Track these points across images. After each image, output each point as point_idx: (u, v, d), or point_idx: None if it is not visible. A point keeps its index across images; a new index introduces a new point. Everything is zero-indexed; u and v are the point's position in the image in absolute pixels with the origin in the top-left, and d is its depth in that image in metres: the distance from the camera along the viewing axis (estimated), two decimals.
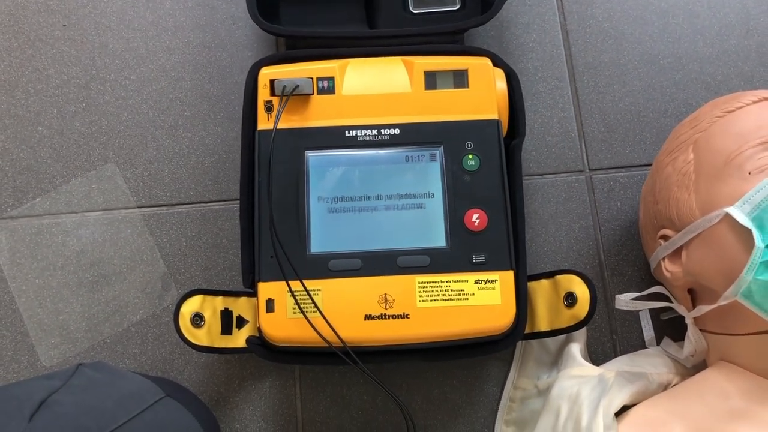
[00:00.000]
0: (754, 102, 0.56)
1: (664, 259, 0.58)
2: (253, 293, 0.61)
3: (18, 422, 0.44)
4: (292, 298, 0.58)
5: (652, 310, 0.65)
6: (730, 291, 0.50)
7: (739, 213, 0.50)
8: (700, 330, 0.57)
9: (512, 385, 0.65)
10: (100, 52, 0.75)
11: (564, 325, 0.62)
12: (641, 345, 0.65)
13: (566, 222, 0.70)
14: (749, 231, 0.49)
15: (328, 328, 0.57)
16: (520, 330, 0.60)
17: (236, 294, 0.64)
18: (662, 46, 0.75)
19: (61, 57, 0.75)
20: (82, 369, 0.53)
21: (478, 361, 0.66)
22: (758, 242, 0.48)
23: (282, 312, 0.58)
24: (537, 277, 0.64)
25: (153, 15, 0.76)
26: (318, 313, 0.57)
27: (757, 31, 0.76)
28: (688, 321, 0.58)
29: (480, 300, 0.58)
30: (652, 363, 0.60)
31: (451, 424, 0.65)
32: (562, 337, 0.65)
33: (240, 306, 0.64)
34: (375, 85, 0.64)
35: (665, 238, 0.58)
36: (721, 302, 0.51)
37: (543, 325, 0.63)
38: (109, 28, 0.76)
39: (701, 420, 0.51)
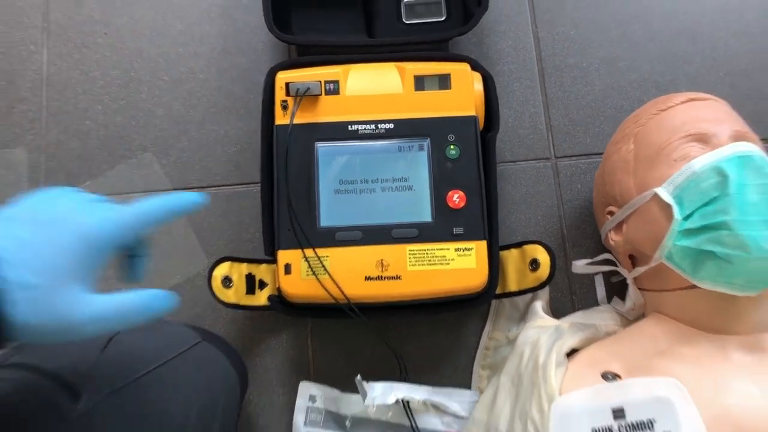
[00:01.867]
0: (683, 102, 0.69)
1: (610, 231, 0.71)
2: (273, 260, 0.73)
3: (93, 352, 0.57)
4: (306, 262, 0.70)
5: (604, 275, 0.78)
6: (657, 254, 0.63)
7: (664, 192, 0.63)
8: (639, 288, 0.70)
9: (487, 336, 0.78)
10: (137, 57, 0.88)
11: (529, 285, 0.75)
12: (595, 303, 0.78)
13: (535, 201, 0.83)
14: (671, 206, 0.61)
15: (336, 287, 0.70)
16: (492, 289, 0.73)
17: (258, 261, 0.77)
18: (621, 51, 0.88)
19: (104, 61, 0.87)
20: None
21: (459, 316, 0.79)
22: (677, 215, 0.61)
23: (297, 274, 0.71)
24: (508, 247, 0.77)
25: (182, 24, 0.89)
26: (327, 275, 0.70)
27: (702, 38, 0.88)
28: (629, 281, 0.70)
29: (459, 264, 0.71)
30: (601, 317, 0.73)
31: (437, 369, 0.78)
32: (529, 296, 0.78)
33: (261, 271, 0.77)
34: (373, 87, 0.76)
35: (611, 213, 0.71)
36: (652, 264, 0.64)
37: (512, 287, 0.76)
38: (143, 35, 0.88)
39: (634, 358, 0.64)
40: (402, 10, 0.85)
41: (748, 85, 0.86)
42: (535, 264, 0.75)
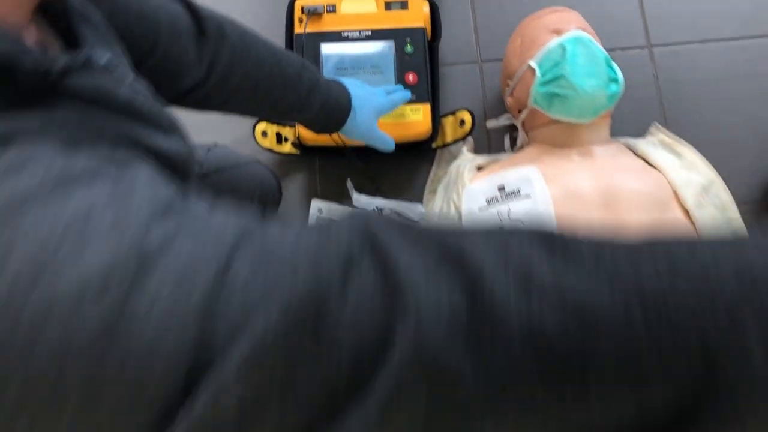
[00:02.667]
0: (549, 14, 1.09)
1: (507, 96, 1.12)
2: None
3: (201, 152, 0.97)
4: None
5: (508, 130, 1.19)
6: (530, 101, 1.04)
7: (533, 62, 1.03)
8: (523, 130, 1.11)
9: (433, 173, 1.19)
10: None
11: (459, 137, 1.16)
12: (503, 151, 1.19)
13: (466, 86, 1.23)
14: (535, 69, 1.02)
15: (336, 136, 1.10)
16: (434, 137, 1.14)
17: (282, 124, 1.17)
18: None
19: None
20: (214, 145, 1.06)
21: (417, 162, 1.19)
22: (537, 74, 1.02)
23: None
24: (446, 114, 1.18)
25: None
26: None
27: None
28: (518, 125, 1.11)
29: (412, 118, 1.11)
30: (504, 156, 1.14)
31: (401, 192, 1.18)
32: (461, 145, 1.18)
33: (285, 131, 1.18)
34: (357, 8, 1.16)
35: (508, 85, 1.12)
36: (528, 107, 1.05)
37: (449, 139, 1.17)
38: None
39: (520, 163, 1.05)
40: None
41: None
42: (463, 123, 1.16)
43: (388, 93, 1.03)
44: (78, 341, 0.28)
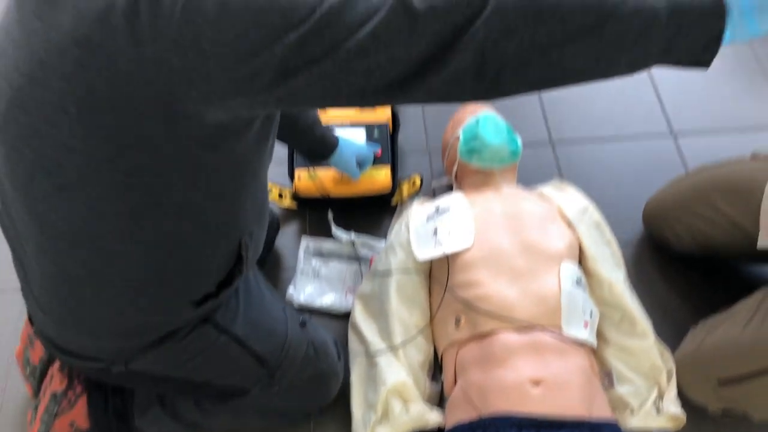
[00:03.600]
0: (470, 106, 1.58)
1: (444, 161, 1.57)
2: (292, 176, 1.58)
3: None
4: (308, 171, 1.55)
5: (449, 191, 1.62)
6: (457, 157, 1.48)
7: (460, 132, 1.50)
8: (456, 183, 1.54)
9: (395, 221, 1.60)
10: None
11: (413, 193, 1.59)
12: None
13: (418, 162, 1.69)
14: (459, 136, 1.48)
15: (321, 184, 1.54)
16: (395, 190, 1.57)
17: (282, 187, 1.61)
18: None
19: None
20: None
21: (382, 213, 1.60)
22: (461, 138, 1.47)
23: (304, 179, 1.55)
24: (404, 180, 1.62)
25: None
26: (317, 179, 1.54)
27: None
28: (452, 180, 1.55)
29: (378, 176, 1.56)
30: None
31: (372, 232, 1.58)
32: (413, 201, 1.61)
33: (285, 192, 1.61)
34: (341, 112, 1.66)
35: (445, 153, 1.58)
36: (456, 162, 1.50)
37: (405, 196, 1.60)
38: None
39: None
40: None
41: None
42: (415, 183, 1.60)
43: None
44: None
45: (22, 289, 0.98)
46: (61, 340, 0.97)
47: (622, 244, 1.44)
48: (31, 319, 1.03)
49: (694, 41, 0.70)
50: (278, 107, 0.76)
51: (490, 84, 0.72)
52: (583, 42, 0.69)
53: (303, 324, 1.17)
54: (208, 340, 1.01)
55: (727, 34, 0.69)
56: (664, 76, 1.84)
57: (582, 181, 1.57)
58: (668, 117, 1.77)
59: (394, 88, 0.72)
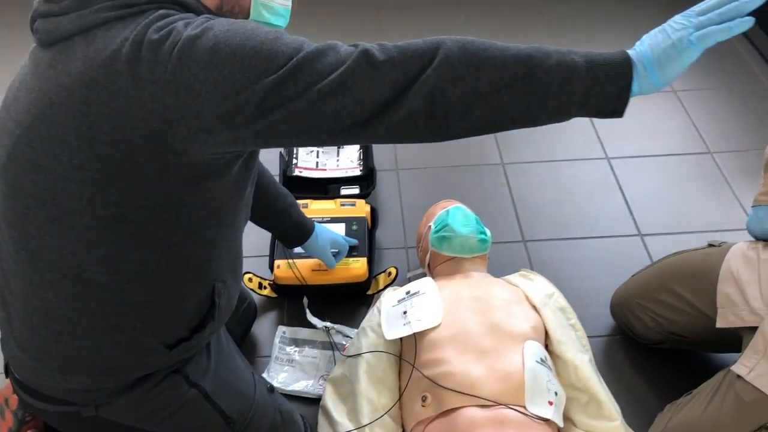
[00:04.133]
0: (443, 202, 1.67)
1: (418, 252, 1.64)
2: (272, 266, 1.64)
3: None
4: (287, 261, 1.61)
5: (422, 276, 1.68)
6: (429, 246, 1.55)
7: (431, 225, 1.58)
8: (429, 271, 1.60)
9: (370, 311, 1.63)
10: None
11: (389, 283, 1.64)
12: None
13: (392, 254, 1.75)
14: (431, 226, 1.56)
15: (299, 273, 1.60)
16: (371, 280, 1.63)
17: (263, 278, 1.67)
18: None
19: None
20: None
21: (359, 303, 1.65)
22: (432, 228, 1.55)
23: (283, 268, 1.61)
24: (380, 273, 1.68)
25: None
26: (295, 268, 1.60)
27: None
28: (425, 268, 1.61)
29: (355, 265, 1.62)
30: None
31: (346, 321, 1.61)
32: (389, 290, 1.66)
33: (265, 282, 1.67)
34: (322, 206, 1.75)
35: (419, 244, 1.65)
36: (429, 251, 1.56)
37: (381, 286, 1.65)
38: None
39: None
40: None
41: None
42: (390, 274, 1.66)
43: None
44: None
45: (1, 339, 1.02)
46: (35, 381, 1.00)
47: (592, 335, 1.48)
48: (6, 368, 1.06)
49: (608, 91, 0.82)
50: (257, 143, 0.86)
51: (440, 124, 0.84)
52: (516, 89, 0.82)
53: (271, 390, 1.19)
54: (178, 392, 1.04)
55: (635, 86, 0.81)
56: (631, 182, 1.95)
57: (552, 276, 1.62)
58: (635, 219, 1.85)
59: (358, 127, 0.84)
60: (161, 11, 0.85)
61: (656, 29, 0.85)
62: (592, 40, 2.48)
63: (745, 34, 2.47)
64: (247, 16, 0.96)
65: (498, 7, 2.70)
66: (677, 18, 0.84)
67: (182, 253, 0.94)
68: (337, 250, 1.59)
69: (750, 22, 0.80)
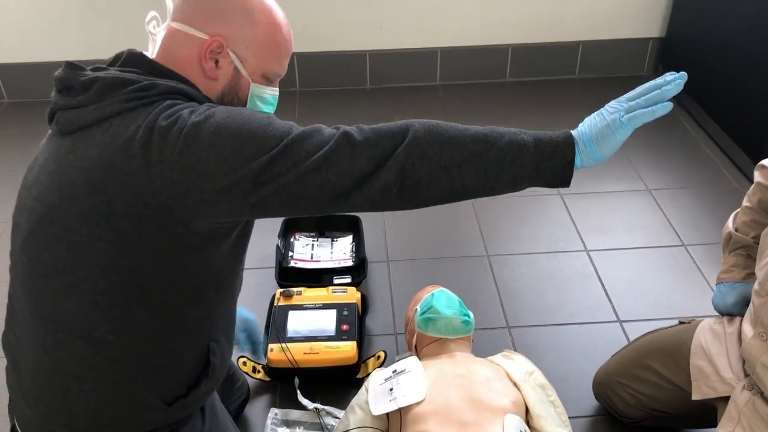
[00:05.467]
0: (430, 291, 1.76)
1: (405, 335, 1.71)
2: (265, 351, 1.70)
3: None
4: (280, 344, 1.68)
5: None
6: (415, 327, 1.63)
7: (418, 310, 1.66)
8: (417, 353, 1.66)
9: (360, 391, 1.68)
10: None
11: (377, 366, 1.70)
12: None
13: (381, 340, 1.81)
14: (417, 310, 1.64)
15: (290, 355, 1.66)
16: (360, 363, 1.69)
17: (256, 362, 1.73)
18: None
19: None
20: None
21: (350, 386, 1.69)
22: (418, 311, 1.63)
23: (276, 351, 1.67)
24: (369, 357, 1.74)
25: None
26: (288, 351, 1.67)
27: None
28: (412, 352, 1.67)
29: (344, 349, 1.68)
30: None
31: (335, 402, 1.65)
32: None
33: (258, 366, 1.72)
34: (315, 293, 1.84)
35: (405, 328, 1.72)
36: (415, 333, 1.63)
37: (370, 370, 1.71)
38: None
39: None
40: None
41: None
42: (379, 357, 1.72)
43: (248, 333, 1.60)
44: None
45: (10, 403, 1.09)
46: None
47: (575, 416, 1.53)
48: (12, 431, 1.13)
49: (555, 165, 0.95)
50: (252, 213, 0.99)
51: (411, 194, 0.96)
52: (474, 164, 0.96)
53: None
54: None
55: (578, 160, 0.94)
56: (610, 272, 2.05)
57: (535, 359, 1.68)
58: (614, 307, 1.94)
59: (341, 198, 0.96)
60: (168, 101, 0.98)
61: (594, 113, 1.00)
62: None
63: (714, 139, 2.66)
64: (244, 104, 1.10)
65: (481, 113, 2.91)
66: (612, 103, 0.99)
67: (183, 314, 1.03)
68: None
69: (670, 106, 0.96)
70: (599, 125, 0.97)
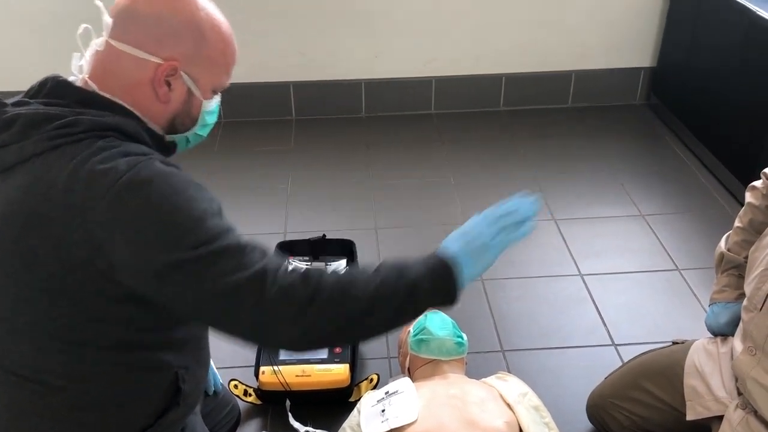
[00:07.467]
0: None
1: (399, 359, 1.69)
2: (257, 374, 1.68)
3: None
4: (272, 367, 1.66)
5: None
6: (408, 350, 1.62)
7: (410, 330, 1.65)
8: (410, 375, 1.65)
9: (352, 414, 1.66)
10: None
11: (370, 388, 1.69)
12: None
13: (375, 364, 1.80)
14: (410, 330, 1.64)
15: (282, 378, 1.64)
16: (353, 386, 1.67)
17: (248, 386, 1.71)
18: None
19: None
20: None
21: (342, 409, 1.68)
22: (411, 332, 1.63)
23: (267, 374, 1.66)
24: (363, 380, 1.73)
25: None
26: (280, 374, 1.65)
27: None
28: (404, 373, 1.65)
29: (338, 371, 1.67)
30: None
31: (327, 425, 1.63)
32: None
33: (250, 389, 1.71)
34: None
35: (399, 351, 1.70)
36: (408, 354, 1.62)
37: (363, 393, 1.69)
38: None
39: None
40: None
41: None
42: (372, 380, 1.70)
43: None
44: None
45: None
46: None
47: None
48: None
49: (444, 298, 1.02)
50: (154, 298, 0.93)
51: (316, 341, 1.01)
52: (371, 317, 0.97)
53: None
54: None
55: (460, 284, 1.00)
56: (604, 296, 2.05)
57: (530, 383, 1.67)
58: (609, 330, 1.93)
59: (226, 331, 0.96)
60: (99, 143, 0.91)
61: (463, 235, 1.04)
62: (564, 172, 2.68)
63: (705, 165, 2.68)
64: (195, 122, 1.07)
65: (476, 142, 2.93)
66: (482, 224, 1.04)
67: (136, 352, 1.00)
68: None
69: (534, 225, 1.06)
70: (473, 246, 1.02)
